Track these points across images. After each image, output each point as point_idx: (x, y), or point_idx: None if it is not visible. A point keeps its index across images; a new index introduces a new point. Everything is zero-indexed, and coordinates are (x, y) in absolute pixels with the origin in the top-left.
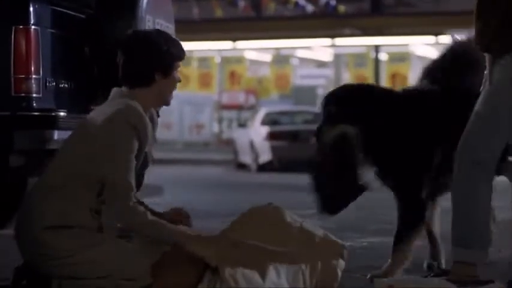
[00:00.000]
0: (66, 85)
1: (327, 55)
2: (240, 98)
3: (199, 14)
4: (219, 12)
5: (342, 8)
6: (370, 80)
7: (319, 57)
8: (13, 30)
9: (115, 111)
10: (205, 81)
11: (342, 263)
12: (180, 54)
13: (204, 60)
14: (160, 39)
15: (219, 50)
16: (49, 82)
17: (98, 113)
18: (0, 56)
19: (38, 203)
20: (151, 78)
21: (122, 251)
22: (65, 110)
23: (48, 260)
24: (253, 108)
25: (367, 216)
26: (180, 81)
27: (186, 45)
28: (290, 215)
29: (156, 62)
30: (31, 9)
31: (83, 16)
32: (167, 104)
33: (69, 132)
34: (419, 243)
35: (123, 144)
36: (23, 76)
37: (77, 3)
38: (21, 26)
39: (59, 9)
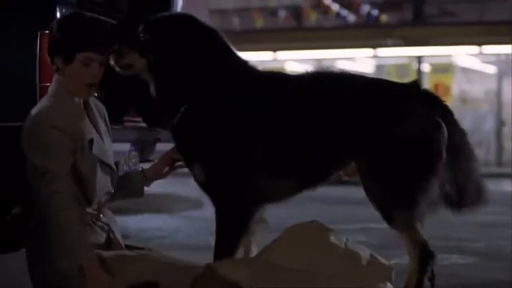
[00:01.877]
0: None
1: (368, 66)
2: None
3: (240, 25)
4: (259, 23)
5: (384, 18)
6: None
7: (360, 68)
8: (39, 35)
9: None
10: None
11: (389, 287)
12: (86, 43)
13: None
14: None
15: (260, 61)
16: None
17: None
18: (25, 63)
19: None
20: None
21: None
22: None
23: None
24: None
25: None
26: (95, 75)
27: None
28: (334, 233)
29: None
30: (58, 13)
31: (114, 22)
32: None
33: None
34: None
35: None
36: (48, 84)
37: (108, 8)
38: (47, 31)
39: (87, 13)
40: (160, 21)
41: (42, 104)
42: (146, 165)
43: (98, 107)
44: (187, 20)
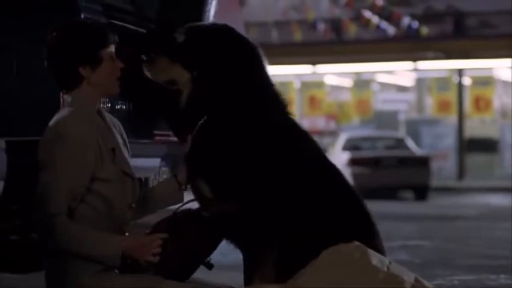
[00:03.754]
0: (124, 106)
1: (408, 80)
2: (321, 123)
3: (279, 38)
4: (298, 36)
5: (424, 31)
6: (453, 105)
7: (400, 82)
8: None
9: None
10: None
11: None
12: (105, 37)
13: (283, 85)
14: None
15: (299, 75)
16: (103, 103)
17: None
18: (47, 74)
19: None
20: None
21: None
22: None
23: None
24: (333, 134)
25: (458, 249)
26: (122, 67)
27: None
28: (376, 255)
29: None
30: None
31: (143, 30)
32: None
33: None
34: None
35: None
36: None
37: (136, 16)
38: None
39: (114, 22)
40: (207, 33)
41: (60, 115)
42: None
43: (113, 121)
44: (234, 34)
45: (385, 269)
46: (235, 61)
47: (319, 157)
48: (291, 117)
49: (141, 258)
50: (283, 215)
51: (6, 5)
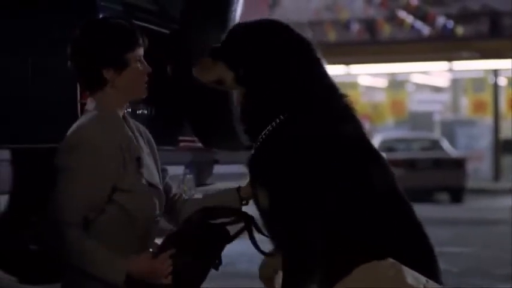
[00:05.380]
0: (146, 111)
1: (443, 80)
2: None
3: (312, 38)
4: (332, 36)
5: (459, 30)
6: (489, 106)
7: (435, 82)
8: None
9: None
10: None
11: None
12: (132, 40)
13: None
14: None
15: (332, 76)
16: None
17: None
18: (64, 77)
19: None
20: (101, 77)
21: None
22: None
23: None
24: (368, 135)
25: (495, 256)
26: (150, 71)
27: None
28: (411, 273)
29: (101, 58)
30: None
31: (166, 31)
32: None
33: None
34: None
35: None
36: None
37: (159, 16)
38: None
39: (136, 22)
40: (251, 29)
41: (82, 120)
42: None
43: (139, 129)
44: (281, 28)
45: (422, 287)
46: (287, 56)
47: (387, 180)
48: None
49: (154, 282)
50: (342, 232)
51: (21, 5)
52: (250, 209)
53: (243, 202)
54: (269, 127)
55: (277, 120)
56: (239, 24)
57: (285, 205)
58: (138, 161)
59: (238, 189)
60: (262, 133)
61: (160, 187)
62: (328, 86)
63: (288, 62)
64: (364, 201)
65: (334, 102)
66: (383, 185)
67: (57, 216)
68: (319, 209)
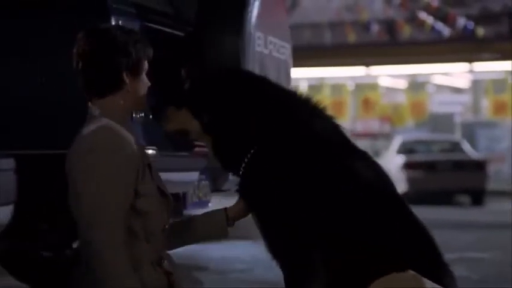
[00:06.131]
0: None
1: (464, 81)
2: (374, 126)
3: (332, 39)
4: (352, 37)
5: (480, 32)
6: (510, 107)
7: (456, 83)
8: None
9: None
10: (337, 109)
11: None
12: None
13: (336, 87)
14: (122, 34)
15: (352, 77)
16: (135, 112)
17: None
18: (74, 80)
19: None
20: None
21: None
22: (155, 148)
23: None
24: (388, 137)
25: None
26: (149, 85)
27: (318, 72)
28: (431, 284)
29: (123, 60)
30: (113, 23)
31: (180, 34)
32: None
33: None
34: None
35: None
36: None
37: (173, 19)
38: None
39: (150, 25)
40: (210, 77)
41: (96, 124)
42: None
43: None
44: (238, 76)
45: None
46: (248, 97)
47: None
48: (339, 128)
49: None
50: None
51: (31, 6)
52: None
53: (230, 223)
54: (245, 160)
55: (249, 156)
56: (200, 74)
57: (279, 236)
58: (149, 167)
59: (226, 209)
60: (241, 167)
61: (168, 192)
62: (290, 106)
63: (249, 101)
64: (360, 214)
65: (298, 121)
66: (374, 190)
67: (93, 229)
68: (313, 234)
